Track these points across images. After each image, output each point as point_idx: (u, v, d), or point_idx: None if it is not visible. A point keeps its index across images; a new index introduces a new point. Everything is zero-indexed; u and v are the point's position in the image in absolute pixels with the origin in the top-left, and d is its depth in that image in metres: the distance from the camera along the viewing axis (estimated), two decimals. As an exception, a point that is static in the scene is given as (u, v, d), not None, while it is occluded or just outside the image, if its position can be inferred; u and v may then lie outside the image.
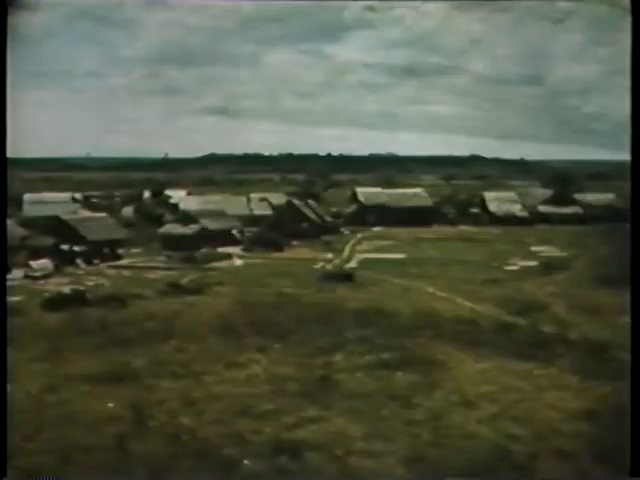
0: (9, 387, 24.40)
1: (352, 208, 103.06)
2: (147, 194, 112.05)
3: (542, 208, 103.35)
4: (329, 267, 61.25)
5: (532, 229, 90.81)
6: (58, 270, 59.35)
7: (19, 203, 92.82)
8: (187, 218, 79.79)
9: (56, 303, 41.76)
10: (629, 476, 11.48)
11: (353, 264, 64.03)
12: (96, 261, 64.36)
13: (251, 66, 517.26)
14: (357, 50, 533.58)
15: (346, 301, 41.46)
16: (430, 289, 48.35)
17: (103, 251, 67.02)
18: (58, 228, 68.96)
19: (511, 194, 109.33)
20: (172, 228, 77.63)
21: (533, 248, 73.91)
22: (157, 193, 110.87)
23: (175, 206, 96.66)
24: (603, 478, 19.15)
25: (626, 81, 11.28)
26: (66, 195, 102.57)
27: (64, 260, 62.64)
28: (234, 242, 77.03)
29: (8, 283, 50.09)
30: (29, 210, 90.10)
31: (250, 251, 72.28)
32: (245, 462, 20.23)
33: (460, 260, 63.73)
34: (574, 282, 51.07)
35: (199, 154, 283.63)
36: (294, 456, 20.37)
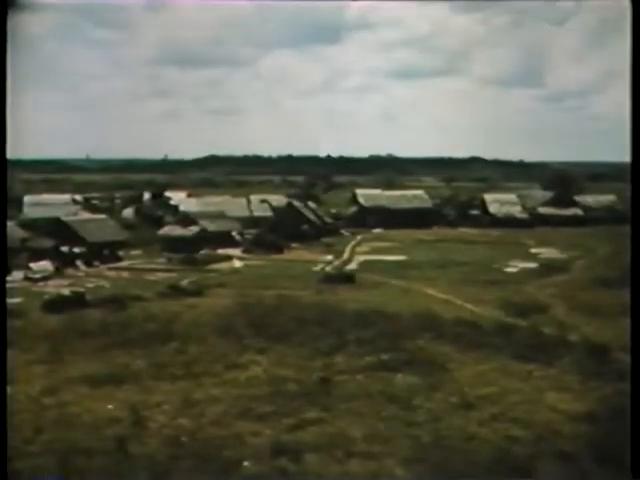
0: (9, 389, 24.39)
1: (352, 210, 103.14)
2: (147, 196, 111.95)
3: (542, 210, 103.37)
4: (329, 269, 61.25)
5: (532, 231, 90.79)
6: (58, 272, 59.36)
7: (19, 205, 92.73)
8: (187, 220, 79.80)
9: (56, 305, 41.75)
10: (630, 477, 11.45)
11: (353, 266, 64.04)
12: (96, 263, 64.37)
13: (251, 67, 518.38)
14: (357, 51, 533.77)
15: (346, 303, 41.44)
16: (430, 291, 48.37)
17: (103, 253, 67.03)
18: (58, 230, 69.02)
19: (511, 196, 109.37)
20: (172, 230, 77.66)
21: (533, 250, 73.94)
22: (157, 195, 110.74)
23: (175, 208, 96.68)
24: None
25: (625, 81, 11.26)
26: (66, 197, 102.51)
27: (64, 262, 62.64)
28: (234, 244, 77.06)
29: (8, 285, 50.12)
30: (29, 212, 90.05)
31: (250, 253, 72.30)
32: (245, 464, 20.21)
33: (460, 262, 63.69)
34: (574, 284, 51.07)
35: (199, 155, 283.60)
36: (294, 458, 20.34)
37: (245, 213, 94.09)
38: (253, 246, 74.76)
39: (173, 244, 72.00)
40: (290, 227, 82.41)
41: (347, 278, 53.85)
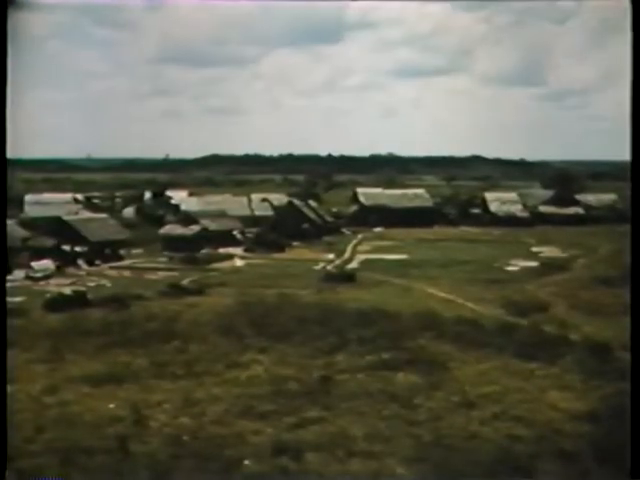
0: (10, 388, 24.41)
1: (353, 209, 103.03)
2: (148, 195, 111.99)
3: (543, 209, 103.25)
4: (330, 268, 61.22)
5: (533, 230, 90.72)
6: (59, 271, 59.37)
7: (20, 204, 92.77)
8: (188, 219, 79.78)
9: (57, 304, 41.76)
10: (629, 478, 11.42)
11: (354, 265, 64.00)
12: (97, 262, 64.37)
13: (252, 66, 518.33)
14: (358, 50, 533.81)
15: (347, 302, 41.45)
16: (431, 290, 48.34)
17: (104, 252, 67.04)
18: (59, 229, 69.03)
19: (512, 195, 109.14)
20: (173, 229, 77.64)
21: (534, 249, 73.83)
22: (158, 194, 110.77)
23: (176, 207, 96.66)
24: (605, 479, 19.10)
25: (626, 81, 11.25)
26: (67, 196, 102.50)
27: (65, 261, 62.66)
28: (235, 243, 77.03)
29: (9, 284, 50.16)
30: (30, 211, 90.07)
31: (251, 252, 72.27)
32: (246, 462, 20.22)
33: (461, 261, 63.65)
34: (575, 282, 51.03)
35: (200, 154, 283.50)
36: (295, 457, 20.35)
37: (246, 212, 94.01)
38: (254, 245, 74.75)
39: (174, 243, 72.00)
40: (291, 226, 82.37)
41: (348, 277, 53.84)
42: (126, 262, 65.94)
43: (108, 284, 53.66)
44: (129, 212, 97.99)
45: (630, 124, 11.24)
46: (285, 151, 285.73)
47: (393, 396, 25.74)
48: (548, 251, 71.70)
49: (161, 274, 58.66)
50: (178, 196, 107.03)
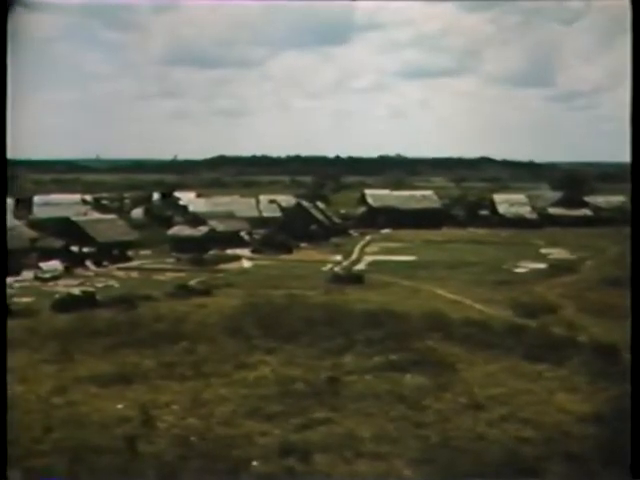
0: (19, 388, 24.56)
1: (361, 210, 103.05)
2: (156, 196, 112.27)
3: (552, 210, 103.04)
4: (338, 269, 61.21)
5: (541, 231, 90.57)
6: (68, 271, 59.57)
7: (29, 205, 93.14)
8: (196, 220, 79.93)
9: (66, 304, 41.89)
10: (630, 477, 11.38)
11: (362, 266, 63.99)
12: (105, 263, 64.55)
13: (260, 67, 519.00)
14: (365, 51, 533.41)
15: (355, 303, 41.44)
16: (439, 291, 48.29)
17: (112, 253, 67.24)
18: (68, 230, 69.23)
19: (521, 196, 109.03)
20: (181, 230, 77.81)
21: (543, 250, 73.73)
22: (166, 195, 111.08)
23: (184, 208, 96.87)
24: (612, 481, 19.05)
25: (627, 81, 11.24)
26: (76, 197, 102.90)
27: (74, 261, 62.86)
28: (243, 244, 77.14)
29: (18, 284, 50.48)
30: (39, 212, 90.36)
31: (259, 253, 72.37)
32: (254, 463, 20.24)
33: (469, 262, 63.56)
34: (583, 284, 50.90)
35: (208, 156, 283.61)
36: (303, 458, 20.35)
37: (254, 213, 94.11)
38: (262, 246, 74.82)
39: (182, 244, 72.13)
40: (299, 227, 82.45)
41: (356, 278, 53.80)
42: (134, 263, 66.10)
43: (116, 285, 53.80)
44: (137, 213, 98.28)
45: (630, 125, 11.20)
46: (293, 152, 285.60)
47: (401, 397, 25.70)
48: (557, 253, 71.55)
49: (169, 275, 58.78)
50: (186, 197, 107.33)
